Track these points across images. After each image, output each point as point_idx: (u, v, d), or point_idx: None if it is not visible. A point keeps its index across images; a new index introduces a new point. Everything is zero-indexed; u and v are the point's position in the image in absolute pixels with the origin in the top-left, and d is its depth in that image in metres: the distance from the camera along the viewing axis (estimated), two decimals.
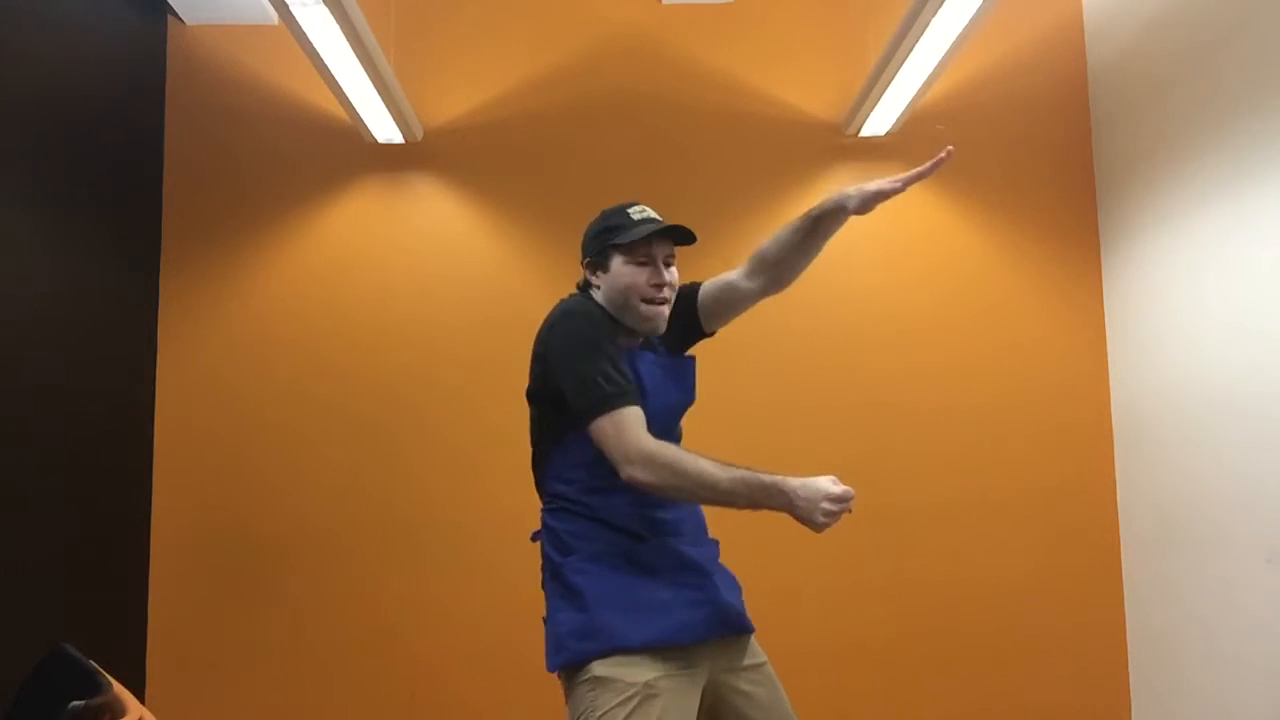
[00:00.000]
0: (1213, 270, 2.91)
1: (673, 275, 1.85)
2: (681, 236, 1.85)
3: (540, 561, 1.82)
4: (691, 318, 1.95)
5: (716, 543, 1.88)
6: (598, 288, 1.86)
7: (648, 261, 1.82)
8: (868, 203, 1.73)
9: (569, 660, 1.66)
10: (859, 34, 3.56)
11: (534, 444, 1.86)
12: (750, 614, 1.83)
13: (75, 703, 1.33)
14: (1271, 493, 2.65)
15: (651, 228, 1.80)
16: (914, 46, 2.86)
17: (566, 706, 1.70)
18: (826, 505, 1.59)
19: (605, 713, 1.60)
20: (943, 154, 1.76)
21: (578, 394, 1.71)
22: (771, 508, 1.64)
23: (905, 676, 3.39)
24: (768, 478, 1.63)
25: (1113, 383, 3.48)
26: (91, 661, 1.54)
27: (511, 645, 3.34)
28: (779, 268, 1.92)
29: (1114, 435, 3.47)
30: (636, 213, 1.85)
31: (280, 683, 3.38)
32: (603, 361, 1.70)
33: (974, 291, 3.53)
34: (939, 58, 2.95)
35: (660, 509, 1.76)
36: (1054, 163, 3.58)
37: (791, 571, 3.28)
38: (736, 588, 1.83)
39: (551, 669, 1.70)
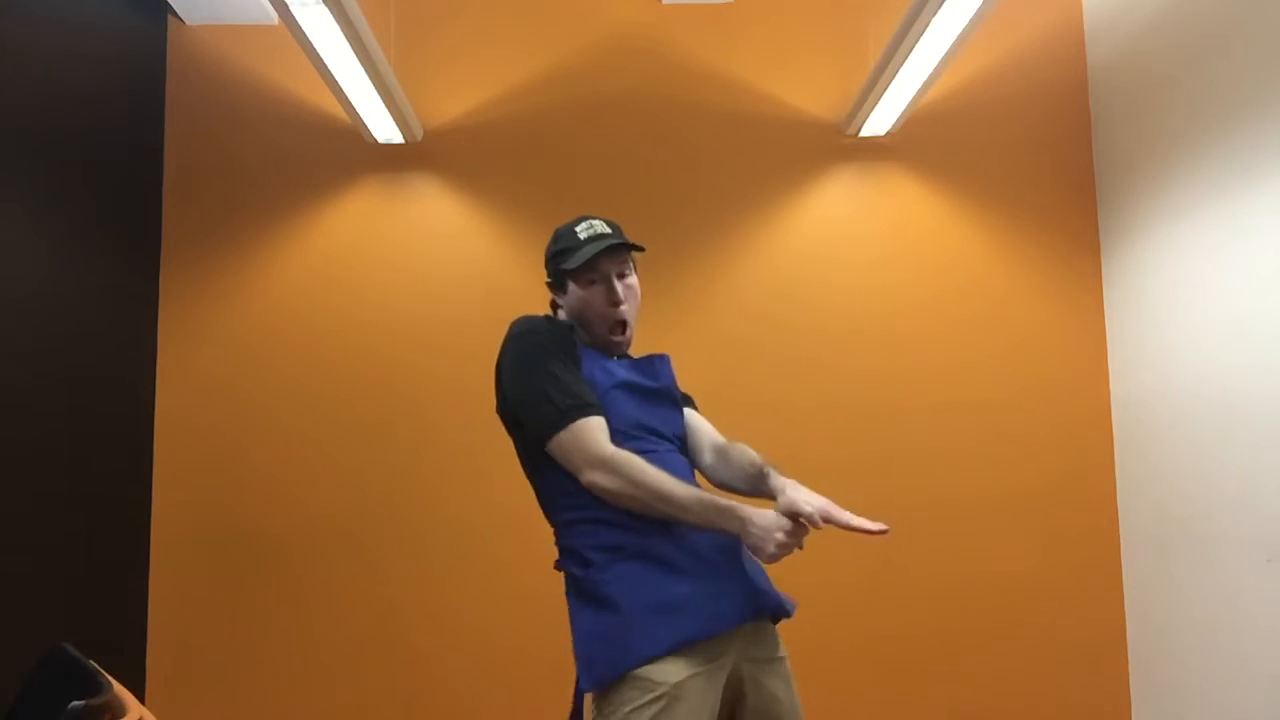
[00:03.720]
0: (1213, 270, 2.91)
1: (628, 287, 1.84)
2: (630, 247, 1.84)
3: (564, 585, 1.78)
4: None
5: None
6: (562, 307, 1.89)
7: (598, 280, 1.82)
8: (788, 510, 1.62)
9: (603, 678, 1.61)
10: (859, 34, 3.56)
11: (530, 479, 1.84)
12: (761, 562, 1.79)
13: (75, 703, 1.33)
14: (1271, 493, 2.65)
15: (592, 250, 1.79)
16: (914, 46, 2.86)
17: (592, 705, 1.67)
18: (779, 536, 1.58)
19: (632, 710, 1.57)
20: (877, 527, 1.57)
21: (531, 418, 1.73)
22: (725, 530, 1.63)
23: (904, 674, 3.39)
24: (725, 502, 1.63)
25: (1113, 382, 3.48)
26: (91, 661, 1.54)
27: (514, 642, 3.34)
28: (726, 473, 1.89)
29: (1114, 435, 3.47)
30: (584, 230, 1.84)
31: (281, 682, 3.38)
32: (551, 381, 1.70)
33: (974, 291, 3.53)
34: (939, 58, 2.95)
35: None
36: (1054, 163, 3.58)
37: (790, 570, 3.28)
38: (763, 571, 1.80)
39: (586, 688, 1.64)
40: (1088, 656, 3.40)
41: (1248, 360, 2.74)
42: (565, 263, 1.82)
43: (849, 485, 3.43)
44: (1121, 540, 3.43)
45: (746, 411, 3.39)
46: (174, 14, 3.56)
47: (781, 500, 1.64)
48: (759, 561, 1.78)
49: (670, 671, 1.59)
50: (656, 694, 1.57)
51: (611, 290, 1.81)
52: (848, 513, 1.60)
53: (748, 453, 1.86)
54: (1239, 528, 2.79)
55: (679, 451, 1.88)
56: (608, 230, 1.85)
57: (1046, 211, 3.56)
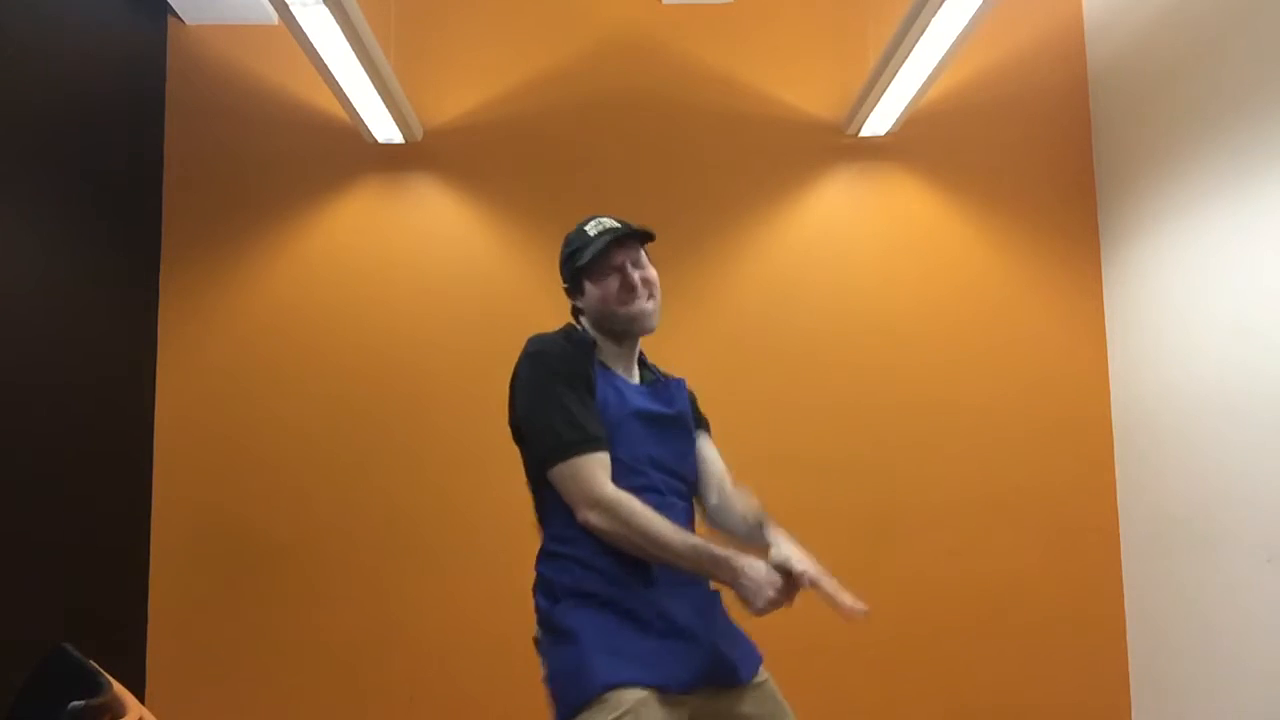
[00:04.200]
0: (1213, 270, 2.91)
1: (645, 273, 1.84)
2: (641, 236, 1.84)
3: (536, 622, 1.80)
4: None
5: (718, 593, 1.83)
6: (583, 310, 1.88)
7: (612, 273, 1.81)
8: (779, 568, 1.62)
9: (569, 710, 1.64)
10: (859, 34, 3.56)
11: (530, 488, 1.84)
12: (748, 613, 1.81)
13: (75, 703, 1.33)
14: (1271, 493, 2.65)
15: (603, 243, 1.79)
16: (914, 46, 2.86)
17: None
18: (770, 592, 1.58)
19: None
20: (858, 607, 1.63)
21: (535, 443, 1.73)
22: (717, 580, 1.64)
23: (904, 674, 3.39)
24: (720, 552, 1.63)
25: (1113, 382, 3.48)
26: (91, 661, 1.54)
27: (515, 641, 3.32)
28: (728, 518, 1.89)
29: (1114, 435, 3.47)
30: (593, 228, 1.84)
31: (281, 682, 3.38)
32: (558, 410, 1.69)
33: (974, 291, 3.53)
34: (939, 58, 2.95)
35: None
36: (1054, 163, 3.58)
37: None
38: (735, 636, 1.80)
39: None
40: (1088, 656, 3.40)
41: (1248, 360, 2.74)
42: (579, 261, 1.82)
43: (847, 485, 3.44)
44: (1121, 540, 3.43)
45: (746, 411, 3.39)
46: (174, 14, 3.56)
47: (774, 554, 1.64)
48: (729, 624, 1.80)
49: (631, 694, 1.61)
50: (620, 712, 1.59)
51: (626, 277, 1.81)
52: (834, 584, 1.62)
53: (750, 502, 1.86)
54: (1239, 528, 2.79)
55: (687, 491, 1.87)
56: (617, 225, 1.85)
57: (1046, 211, 3.56)
